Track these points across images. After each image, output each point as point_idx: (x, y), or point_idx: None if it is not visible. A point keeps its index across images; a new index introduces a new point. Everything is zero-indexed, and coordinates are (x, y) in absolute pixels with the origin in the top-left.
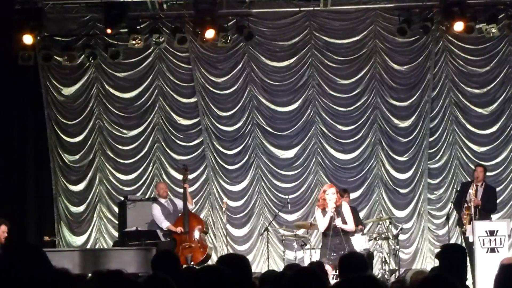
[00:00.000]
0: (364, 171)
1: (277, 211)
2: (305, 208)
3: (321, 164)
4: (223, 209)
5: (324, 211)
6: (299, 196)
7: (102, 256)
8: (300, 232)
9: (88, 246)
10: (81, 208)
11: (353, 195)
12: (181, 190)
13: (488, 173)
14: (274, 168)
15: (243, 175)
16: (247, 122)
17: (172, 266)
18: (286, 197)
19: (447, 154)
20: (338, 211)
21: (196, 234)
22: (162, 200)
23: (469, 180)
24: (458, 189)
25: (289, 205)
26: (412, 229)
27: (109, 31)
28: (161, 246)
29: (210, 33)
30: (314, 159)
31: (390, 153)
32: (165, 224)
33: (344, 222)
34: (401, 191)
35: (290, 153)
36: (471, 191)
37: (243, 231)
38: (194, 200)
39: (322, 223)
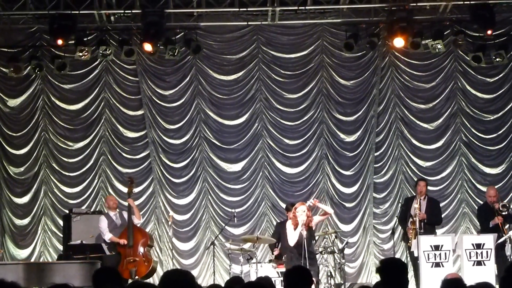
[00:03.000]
0: (311, 185)
1: (223, 224)
2: (252, 221)
3: (268, 178)
4: (169, 222)
5: (295, 228)
6: (246, 209)
7: (46, 270)
8: (247, 246)
9: (33, 259)
10: (25, 221)
11: None
12: (127, 204)
13: (433, 188)
14: (221, 182)
15: (190, 188)
16: (194, 135)
17: (113, 283)
18: (233, 210)
19: (393, 169)
20: (309, 228)
21: (141, 248)
22: (111, 213)
23: (413, 195)
24: (402, 204)
25: (235, 218)
26: (357, 243)
27: (60, 42)
28: (106, 260)
29: (148, 47)
30: (261, 173)
31: (336, 167)
32: (108, 236)
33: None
34: (347, 205)
35: (237, 167)
36: (416, 205)
37: (189, 245)
38: (140, 213)
39: (292, 236)
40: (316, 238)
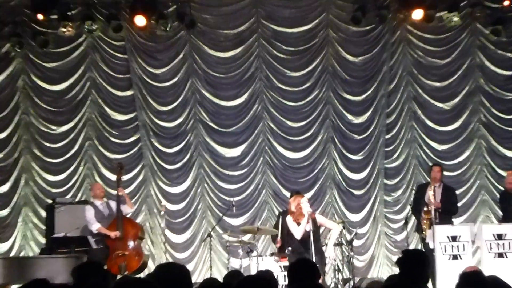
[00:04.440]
0: (316, 171)
1: (221, 215)
2: (252, 211)
3: (269, 164)
4: (162, 213)
5: (297, 223)
6: (245, 198)
7: (28, 265)
8: (246, 237)
9: (12, 254)
10: (4, 212)
11: None
12: (116, 192)
13: (449, 173)
14: (218, 168)
15: (184, 175)
16: (188, 117)
17: (97, 278)
18: (231, 199)
19: (405, 153)
20: (313, 221)
21: (131, 241)
22: (98, 202)
23: (426, 181)
24: (415, 191)
25: (234, 208)
26: (367, 234)
27: (40, 17)
28: (93, 254)
29: (140, 20)
30: (261, 158)
31: (344, 151)
32: (95, 226)
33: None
34: (356, 192)
35: (235, 152)
36: (430, 193)
37: (184, 237)
38: (132, 202)
39: (296, 232)
40: (322, 229)
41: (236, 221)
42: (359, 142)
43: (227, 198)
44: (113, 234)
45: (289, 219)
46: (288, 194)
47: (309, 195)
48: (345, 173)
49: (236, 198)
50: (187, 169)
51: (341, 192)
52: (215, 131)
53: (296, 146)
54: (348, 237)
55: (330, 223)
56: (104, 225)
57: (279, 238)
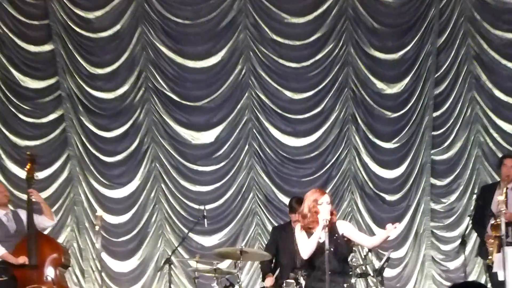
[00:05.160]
0: (328, 166)
1: (186, 231)
2: (232, 225)
3: (258, 154)
4: (97, 228)
5: (308, 234)
6: (223, 206)
7: None
8: (224, 265)
9: None
10: None
11: None
12: (26, 197)
13: None
14: (181, 161)
15: (131, 172)
16: (137, 84)
17: None
18: (201, 207)
19: (462, 138)
20: (332, 229)
21: (50, 269)
22: (0, 213)
23: (494, 181)
24: (478, 195)
25: (206, 220)
26: (405, 259)
27: None
28: None
29: None
30: (247, 146)
31: (370, 136)
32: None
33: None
34: (388, 197)
35: (208, 136)
36: (500, 198)
37: (130, 264)
38: (52, 211)
39: (306, 245)
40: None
41: (208, 241)
42: (393, 123)
43: (196, 206)
44: (21, 260)
45: (297, 229)
46: (286, 199)
47: None
48: (372, 169)
49: (209, 206)
50: (135, 163)
51: (366, 197)
52: (178, 106)
53: (298, 129)
54: (377, 264)
55: (361, 236)
56: (9, 246)
57: (273, 265)
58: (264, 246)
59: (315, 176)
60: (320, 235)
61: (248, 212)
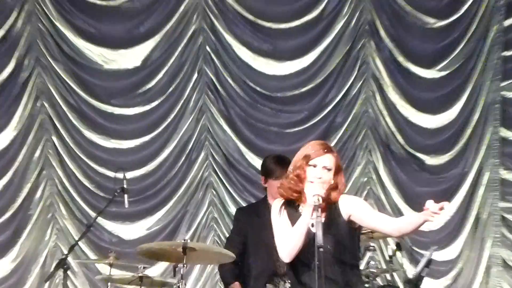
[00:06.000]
0: (330, 108)
1: (93, 214)
2: (170, 206)
3: (214, 88)
4: None
5: (291, 208)
6: (155, 174)
7: None
8: (157, 270)
9: None
10: None
11: None
12: None
13: None
14: (85, 98)
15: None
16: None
17: None
18: (119, 175)
19: None
20: (331, 212)
21: None
22: None
23: None
24: None
25: (126, 197)
26: (459, 262)
27: None
28: None
29: None
30: (195, 75)
31: (400, 58)
32: None
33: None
34: (428, 160)
35: (131, 57)
36: None
37: (4, 263)
38: None
39: (287, 238)
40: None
41: (130, 231)
42: (438, 36)
43: (110, 174)
44: None
45: (274, 209)
46: (259, 163)
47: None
48: (403, 113)
49: (131, 174)
50: (10, 99)
51: (393, 159)
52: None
53: (281, 46)
54: (411, 271)
55: (379, 219)
56: None
57: (238, 266)
58: (225, 239)
59: (307, 124)
60: (310, 221)
61: (197, 184)
